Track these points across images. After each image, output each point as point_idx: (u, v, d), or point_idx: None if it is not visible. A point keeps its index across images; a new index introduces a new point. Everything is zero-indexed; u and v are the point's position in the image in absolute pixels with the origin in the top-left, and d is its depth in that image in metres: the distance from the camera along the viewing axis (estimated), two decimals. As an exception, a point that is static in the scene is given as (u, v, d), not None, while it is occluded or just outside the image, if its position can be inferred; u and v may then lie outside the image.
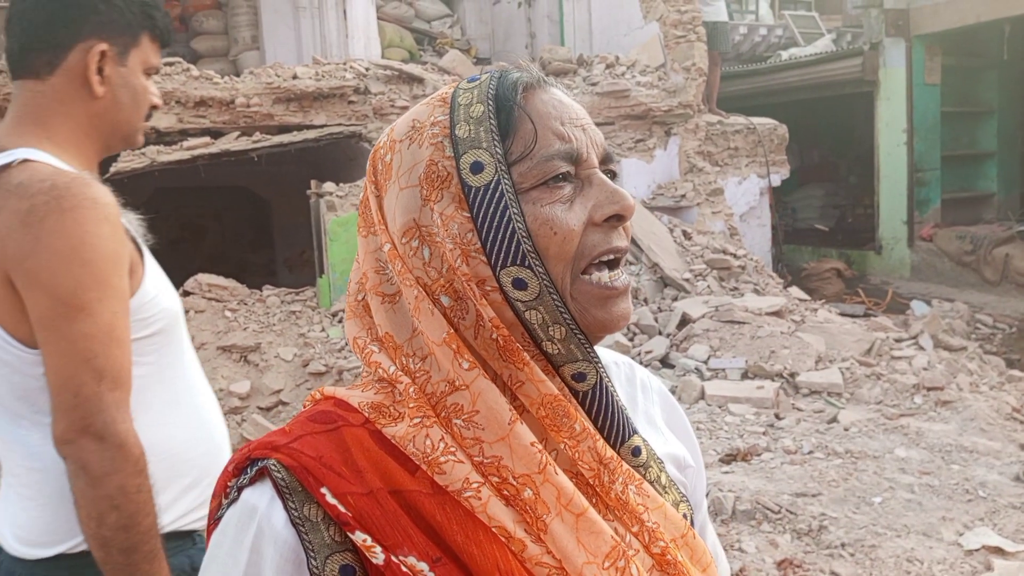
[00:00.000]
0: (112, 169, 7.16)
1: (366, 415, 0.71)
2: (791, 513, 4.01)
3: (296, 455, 0.68)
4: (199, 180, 8.16)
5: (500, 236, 0.71)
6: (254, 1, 11.30)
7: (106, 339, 1.26)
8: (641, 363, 6.74)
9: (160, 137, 7.50)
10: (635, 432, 0.77)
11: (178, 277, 7.79)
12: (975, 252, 10.04)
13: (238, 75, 8.28)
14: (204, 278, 7.45)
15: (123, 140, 1.50)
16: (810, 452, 4.87)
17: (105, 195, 1.32)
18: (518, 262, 0.71)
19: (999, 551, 3.50)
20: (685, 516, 0.79)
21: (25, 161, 1.31)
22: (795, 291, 8.21)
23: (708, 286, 7.61)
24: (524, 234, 0.71)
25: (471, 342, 0.71)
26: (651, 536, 0.74)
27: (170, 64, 7.76)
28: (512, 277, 0.71)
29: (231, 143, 7.51)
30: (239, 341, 6.70)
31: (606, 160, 0.78)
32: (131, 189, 8.27)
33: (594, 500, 0.73)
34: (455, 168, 0.72)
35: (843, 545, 3.69)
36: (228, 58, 11.39)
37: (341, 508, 0.66)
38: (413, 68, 8.62)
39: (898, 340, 6.95)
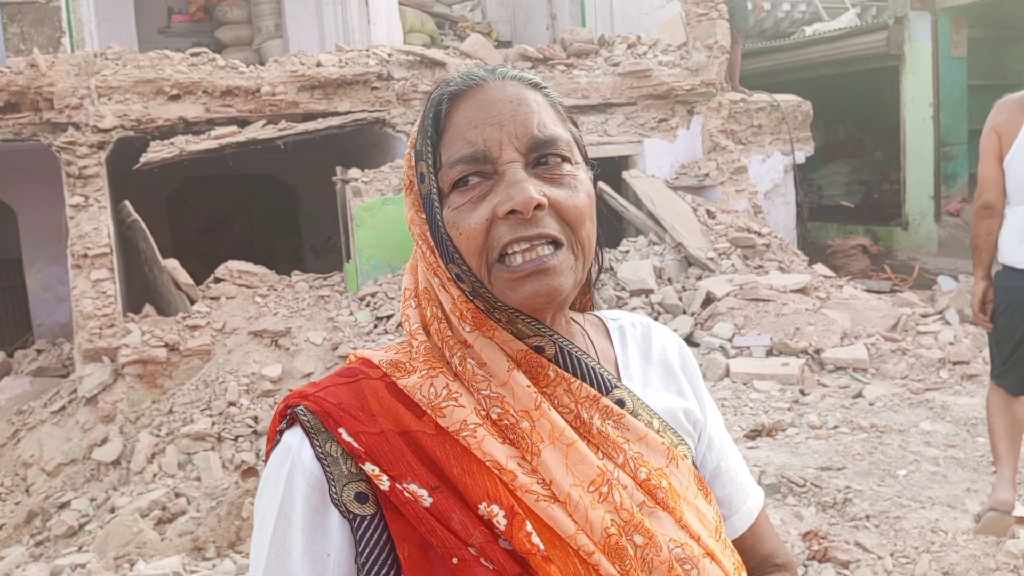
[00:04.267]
0: (142, 160, 7.29)
1: (384, 370, 0.85)
2: (816, 487, 4.05)
3: (320, 401, 0.82)
4: (227, 169, 8.28)
5: (437, 239, 0.84)
6: (276, -10, 11.38)
7: None
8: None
9: (188, 127, 7.61)
10: (617, 387, 0.87)
11: (208, 264, 7.94)
12: (1003, 226, 9.92)
13: (263, 64, 8.37)
14: (234, 265, 7.57)
15: None
16: (835, 427, 4.90)
17: None
18: (451, 260, 0.83)
19: (1023, 521, 3.52)
20: (685, 457, 0.90)
21: None
22: (820, 268, 8.19)
23: (732, 264, 7.62)
24: (447, 236, 0.83)
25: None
26: (635, 464, 0.84)
27: (196, 55, 7.86)
28: (454, 272, 0.84)
29: (257, 131, 7.61)
30: (270, 326, 6.82)
31: (540, 147, 0.82)
32: (160, 179, 8.44)
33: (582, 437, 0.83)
34: (415, 177, 0.86)
35: (867, 517, 3.73)
36: (252, 47, 11.50)
37: (355, 444, 0.79)
38: (435, 53, 8.66)
39: (924, 315, 6.93)
